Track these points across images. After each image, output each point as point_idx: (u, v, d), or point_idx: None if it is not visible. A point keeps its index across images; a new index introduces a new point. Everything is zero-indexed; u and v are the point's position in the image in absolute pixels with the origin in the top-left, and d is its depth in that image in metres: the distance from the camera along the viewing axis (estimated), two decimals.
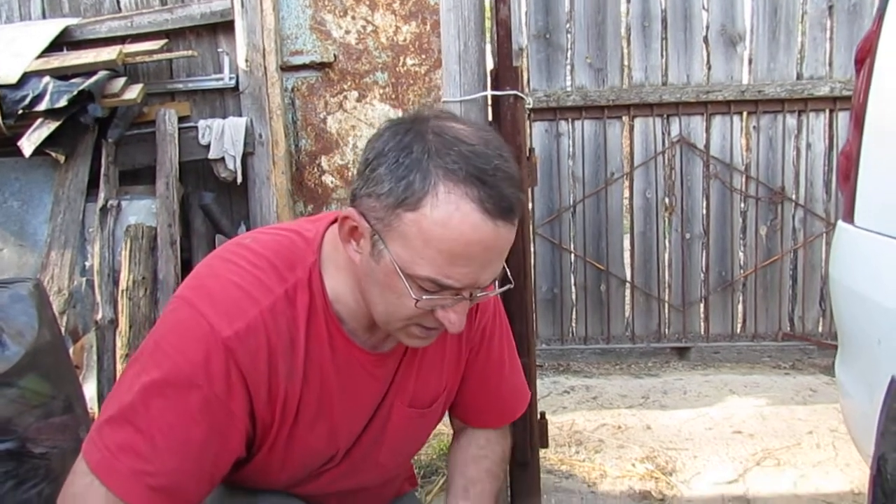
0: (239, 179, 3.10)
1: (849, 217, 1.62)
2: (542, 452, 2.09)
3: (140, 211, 3.08)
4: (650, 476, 2.45)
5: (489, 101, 1.80)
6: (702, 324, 3.79)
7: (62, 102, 2.77)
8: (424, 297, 0.88)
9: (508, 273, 1.00)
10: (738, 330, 3.80)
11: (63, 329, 3.00)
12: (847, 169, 1.68)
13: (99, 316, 2.94)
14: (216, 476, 0.94)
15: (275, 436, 0.98)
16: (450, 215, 0.83)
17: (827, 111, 3.63)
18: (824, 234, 3.69)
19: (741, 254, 3.78)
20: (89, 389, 2.81)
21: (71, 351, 2.87)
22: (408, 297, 0.87)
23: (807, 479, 2.38)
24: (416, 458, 2.42)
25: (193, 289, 0.94)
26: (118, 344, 2.87)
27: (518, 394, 1.27)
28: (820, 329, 3.77)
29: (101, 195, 3.01)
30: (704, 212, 3.75)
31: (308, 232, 1.01)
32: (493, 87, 1.82)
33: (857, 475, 2.38)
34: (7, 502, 1.42)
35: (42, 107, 2.77)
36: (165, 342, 0.89)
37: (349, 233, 0.92)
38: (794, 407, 3.07)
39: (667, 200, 3.74)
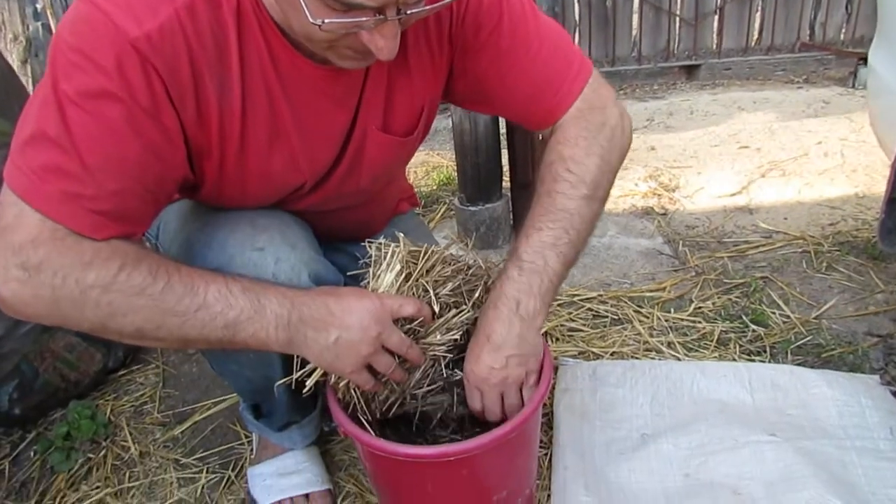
0: None
1: None
2: None
3: None
4: (653, 193, 2.43)
5: None
6: (714, 38, 3.54)
7: None
8: (329, 20, 0.70)
9: None
10: (753, 43, 3.55)
11: (30, 80, 2.82)
12: None
13: None
14: (161, 198, 0.85)
15: (219, 160, 0.88)
16: None
17: None
18: None
19: None
20: None
21: None
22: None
23: (811, 186, 2.36)
24: (417, 188, 2.39)
25: None
26: None
27: (569, 64, 0.99)
28: (842, 37, 3.52)
29: None
30: None
31: None
32: None
33: (862, 179, 2.35)
34: None
35: None
36: (67, 48, 0.74)
37: None
38: (804, 120, 2.96)
39: None
